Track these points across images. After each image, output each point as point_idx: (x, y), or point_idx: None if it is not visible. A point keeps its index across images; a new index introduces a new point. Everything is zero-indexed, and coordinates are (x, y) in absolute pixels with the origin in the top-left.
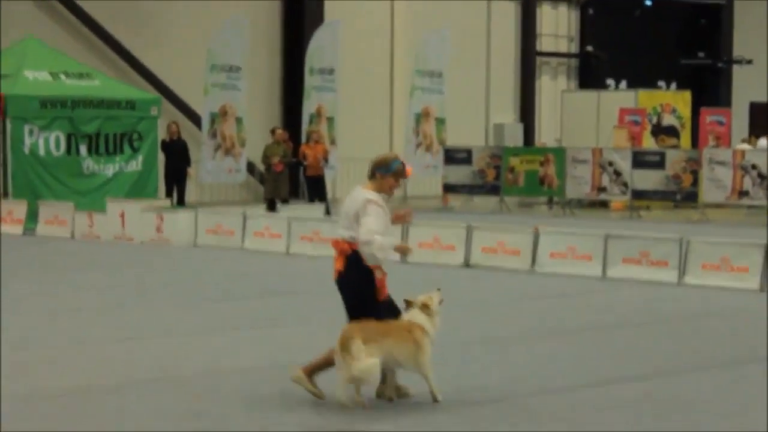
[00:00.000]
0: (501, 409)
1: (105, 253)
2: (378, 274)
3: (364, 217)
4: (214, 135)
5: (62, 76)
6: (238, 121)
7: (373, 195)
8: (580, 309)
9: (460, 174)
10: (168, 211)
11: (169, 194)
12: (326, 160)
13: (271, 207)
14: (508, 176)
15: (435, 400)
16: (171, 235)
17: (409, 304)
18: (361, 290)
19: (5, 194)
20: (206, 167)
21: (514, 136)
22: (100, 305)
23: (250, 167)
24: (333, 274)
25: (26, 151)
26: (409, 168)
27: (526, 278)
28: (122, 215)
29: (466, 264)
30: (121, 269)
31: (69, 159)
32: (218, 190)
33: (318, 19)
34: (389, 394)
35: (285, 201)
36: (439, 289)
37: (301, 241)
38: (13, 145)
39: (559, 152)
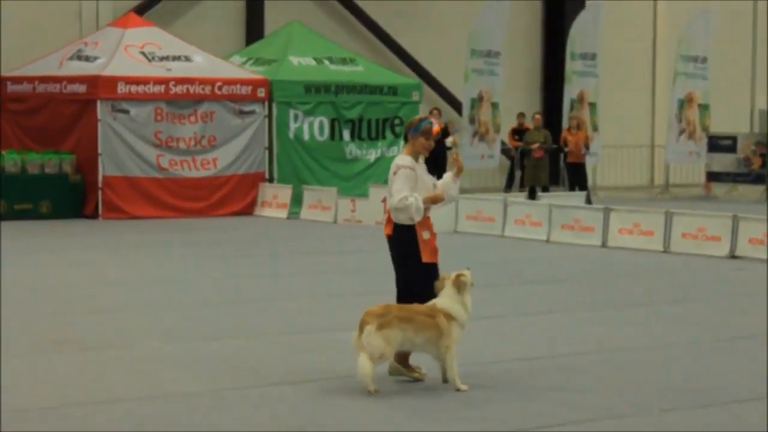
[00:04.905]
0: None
1: (367, 237)
2: (424, 235)
3: (393, 184)
4: (472, 120)
5: (326, 62)
6: (494, 106)
7: (402, 160)
8: None
9: (724, 162)
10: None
11: None
12: (587, 147)
13: (532, 195)
14: None
15: (457, 389)
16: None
17: (440, 283)
18: (406, 252)
19: (271, 179)
20: (465, 153)
21: None
22: (360, 290)
23: (508, 153)
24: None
25: (291, 135)
26: (436, 127)
27: None
28: (384, 200)
29: (732, 255)
30: (381, 254)
31: (332, 144)
32: (476, 176)
33: (579, 3)
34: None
35: (545, 188)
36: (468, 269)
37: (561, 230)
38: (279, 129)
39: None
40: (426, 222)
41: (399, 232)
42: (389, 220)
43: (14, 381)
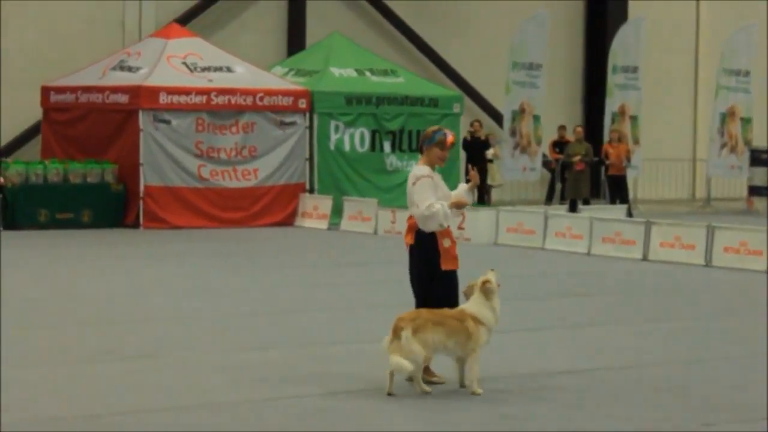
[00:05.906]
0: None
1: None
2: (445, 243)
3: (415, 195)
4: (513, 133)
5: (367, 73)
6: (535, 118)
7: (420, 170)
8: None
9: (766, 176)
10: (469, 209)
11: None
12: (629, 159)
13: (573, 207)
14: None
15: (473, 392)
16: (472, 233)
17: (469, 289)
18: (428, 261)
19: (311, 190)
20: (506, 165)
21: None
22: (400, 301)
23: (549, 166)
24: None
25: (331, 147)
26: (450, 137)
27: None
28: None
29: None
30: None
31: (373, 155)
32: (517, 189)
33: (621, 16)
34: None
35: (586, 201)
36: (493, 270)
37: (602, 243)
38: (320, 141)
39: None
40: (446, 230)
41: (421, 242)
42: (410, 230)
43: (59, 389)
